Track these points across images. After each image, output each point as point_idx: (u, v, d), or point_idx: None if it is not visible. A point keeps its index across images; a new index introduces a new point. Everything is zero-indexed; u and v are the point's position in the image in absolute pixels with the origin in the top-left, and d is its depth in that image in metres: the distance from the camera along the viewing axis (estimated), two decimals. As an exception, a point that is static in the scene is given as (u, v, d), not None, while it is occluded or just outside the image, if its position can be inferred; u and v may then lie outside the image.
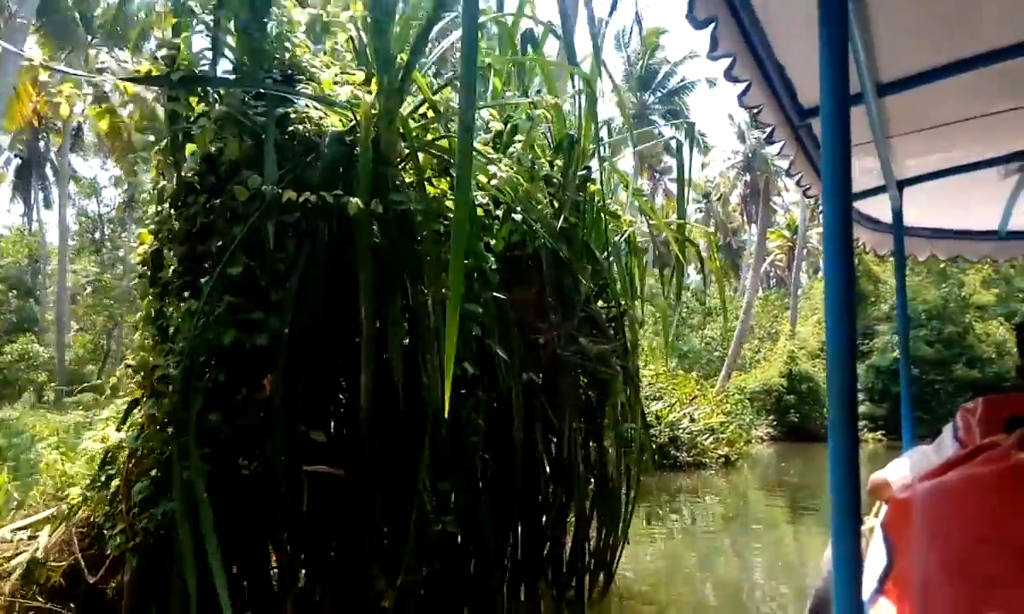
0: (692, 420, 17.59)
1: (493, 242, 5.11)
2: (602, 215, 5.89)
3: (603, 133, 6.88)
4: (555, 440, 5.38)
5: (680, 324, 39.22)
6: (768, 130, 2.51)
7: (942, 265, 5.78)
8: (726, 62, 1.96)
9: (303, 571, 4.22)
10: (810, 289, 44.17)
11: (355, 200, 3.95)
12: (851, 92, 1.45)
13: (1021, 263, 4.82)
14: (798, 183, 2.95)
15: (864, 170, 2.98)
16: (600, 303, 6.32)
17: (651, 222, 6.49)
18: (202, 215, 4.24)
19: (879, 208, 3.56)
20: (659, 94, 48.09)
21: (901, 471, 1.75)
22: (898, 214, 3.36)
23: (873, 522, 1.81)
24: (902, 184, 3.19)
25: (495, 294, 4.85)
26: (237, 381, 4.12)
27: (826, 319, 1.24)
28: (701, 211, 66.99)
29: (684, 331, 38.97)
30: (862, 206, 3.56)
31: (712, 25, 1.77)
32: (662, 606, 6.69)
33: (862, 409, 30.83)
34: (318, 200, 3.98)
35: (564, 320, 5.50)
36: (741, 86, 2.13)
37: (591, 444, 5.75)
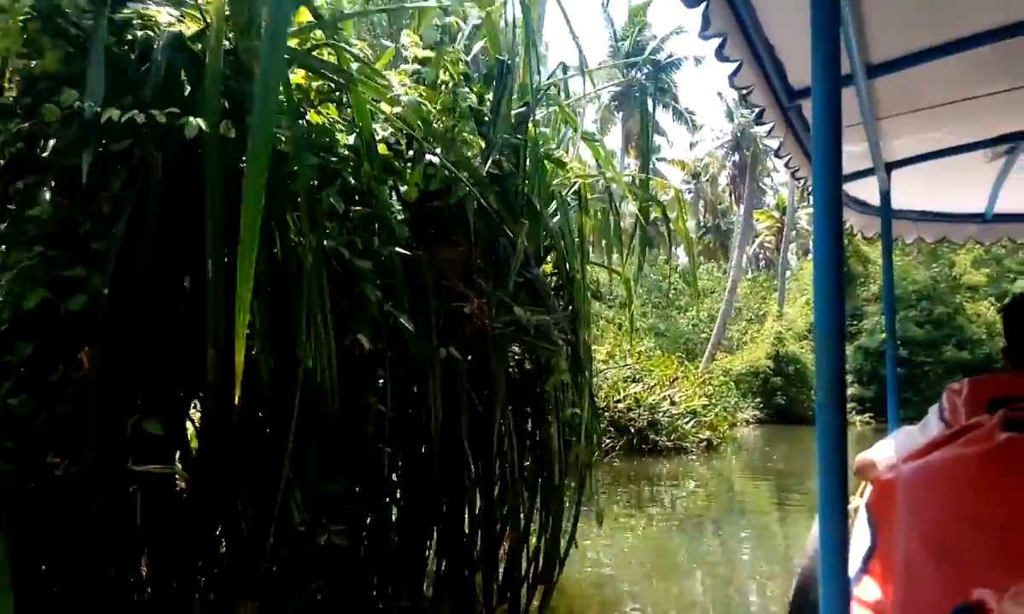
0: (673, 403, 16.78)
1: (404, 188, 4.19)
2: (545, 163, 4.98)
3: (559, 72, 5.96)
4: (486, 430, 4.50)
5: (667, 305, 38.62)
6: (757, 111, 2.46)
7: (932, 245, 5.39)
8: (716, 42, 1.96)
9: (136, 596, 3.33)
10: (799, 270, 43.39)
11: (195, 121, 3.03)
12: (841, 73, 1.51)
13: (1011, 244, 4.67)
14: (787, 165, 2.93)
15: (853, 152, 2.94)
16: (550, 269, 5.44)
17: (608, 176, 5.56)
18: (11, 144, 3.31)
19: (867, 190, 3.56)
20: (645, 70, 46.97)
21: (887, 452, 1.78)
22: (886, 196, 3.35)
23: (858, 502, 1.83)
24: (890, 166, 3.19)
25: (403, 251, 3.95)
26: (50, 356, 3.20)
27: (815, 301, 1.18)
28: (690, 191, 66.12)
29: (671, 312, 38.35)
30: (850, 188, 3.54)
31: (704, 4, 1.75)
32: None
33: (850, 391, 30.17)
34: (148, 120, 3.06)
35: (496, 286, 4.60)
36: (732, 66, 2.11)
37: (529, 433, 4.88)
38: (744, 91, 2.27)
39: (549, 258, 5.27)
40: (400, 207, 3.96)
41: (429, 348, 4.15)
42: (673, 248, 64.24)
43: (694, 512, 11.33)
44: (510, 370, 4.71)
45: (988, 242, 4.32)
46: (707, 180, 61.33)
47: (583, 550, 7.22)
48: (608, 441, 15.04)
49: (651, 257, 45.25)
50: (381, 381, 4.08)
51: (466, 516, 4.52)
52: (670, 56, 45.63)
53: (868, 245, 36.58)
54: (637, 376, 17.09)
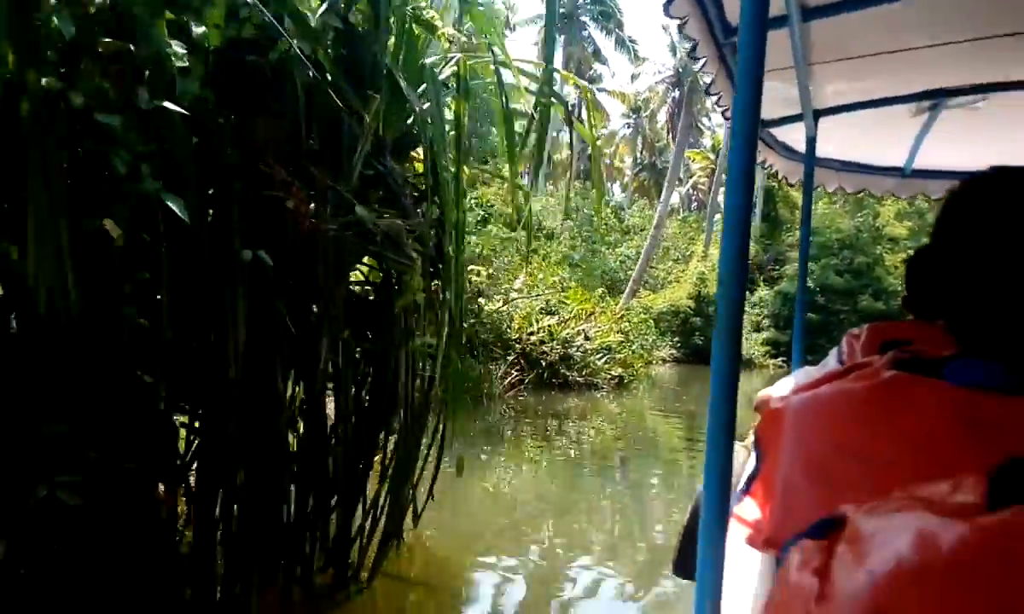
0: (587, 338, 16.17)
1: (201, 30, 3.09)
2: (413, 27, 3.93)
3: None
4: (311, 359, 3.56)
5: (597, 240, 38.10)
6: (692, 44, 2.38)
7: (859, 196, 5.62)
8: None
9: None
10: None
11: None
12: (776, 14, 1.77)
13: (933, 199, 4.52)
14: (717, 103, 2.90)
15: (783, 96, 2.96)
16: (420, 167, 4.43)
17: (494, 50, 4.49)
18: None
19: (794, 136, 3.54)
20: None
21: (785, 389, 1.83)
22: (811, 143, 3.35)
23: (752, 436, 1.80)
24: (818, 114, 3.21)
25: (184, 111, 2.88)
26: None
27: (723, 237, 1.21)
28: (629, 126, 65.32)
29: (600, 248, 37.88)
30: (778, 133, 3.54)
31: None
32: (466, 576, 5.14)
33: (766, 335, 30.48)
34: None
35: (337, 178, 3.60)
36: None
37: (369, 366, 3.97)
38: (680, 21, 2.20)
39: (417, 152, 4.27)
40: (186, 51, 2.87)
41: (228, 248, 3.14)
42: (609, 184, 63.26)
43: (599, 449, 10.83)
44: (351, 286, 3.74)
45: (905, 196, 4.32)
46: (647, 116, 60.45)
47: (462, 496, 6.52)
48: (516, 373, 14.37)
49: (583, 190, 44.66)
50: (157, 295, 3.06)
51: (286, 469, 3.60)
52: (616, -20, 44.03)
53: (798, 191, 36.67)
54: (553, 309, 16.38)
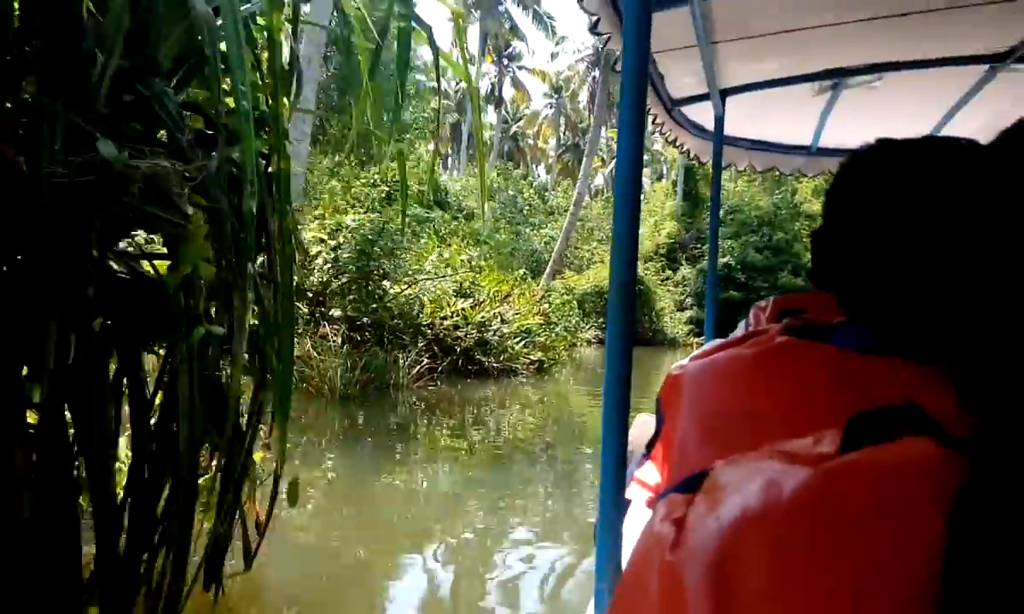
0: (504, 321, 15.31)
1: None
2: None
3: None
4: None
5: (520, 222, 37.39)
6: (593, 19, 2.34)
7: (778, 173, 4.85)
8: None
9: None
10: (651, 193, 43.17)
11: None
12: None
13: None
14: (613, 68, 1.60)
15: (692, 75, 3.00)
16: (231, 102, 3.37)
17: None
18: None
19: (704, 115, 3.53)
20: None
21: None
22: (719, 122, 3.34)
23: None
24: (725, 93, 3.23)
25: None
26: None
27: (614, 212, 1.25)
28: (552, 106, 64.73)
29: (524, 229, 37.23)
30: (689, 112, 3.56)
31: None
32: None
33: (689, 314, 30.39)
34: None
35: (68, 102, 2.52)
36: None
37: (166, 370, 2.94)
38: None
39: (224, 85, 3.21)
40: None
41: None
42: (533, 166, 62.50)
43: (524, 438, 9.99)
44: (93, 253, 2.67)
45: (812, 174, 4.28)
46: (568, 95, 59.89)
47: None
48: (427, 361, 13.39)
49: (504, 169, 43.73)
50: None
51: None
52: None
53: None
54: (468, 291, 15.44)
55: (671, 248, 32.90)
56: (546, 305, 19.19)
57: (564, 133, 66.93)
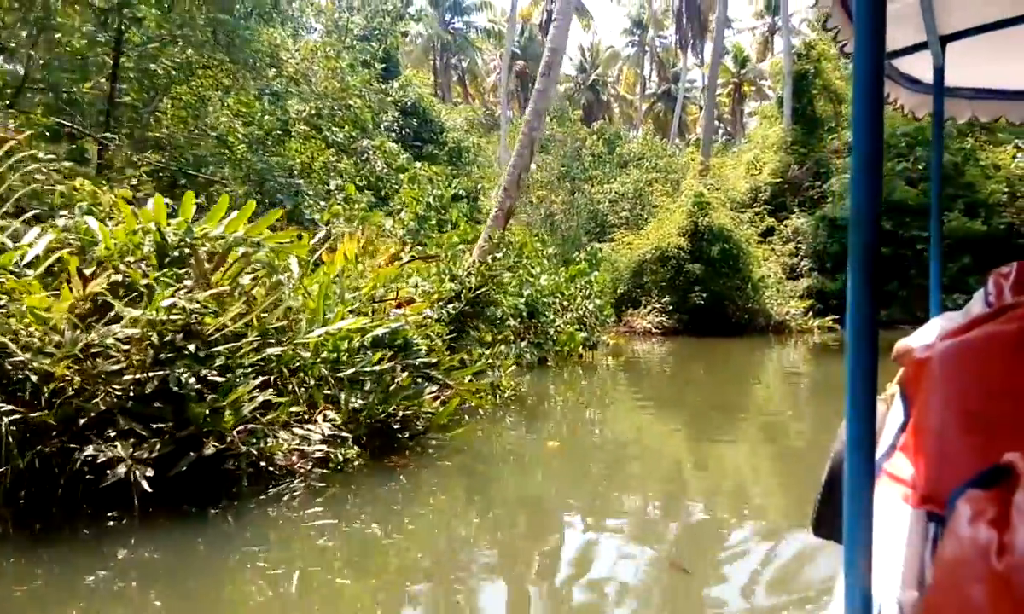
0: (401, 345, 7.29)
1: None
2: None
3: None
4: None
5: (579, 176, 29.16)
6: None
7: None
8: None
9: None
10: (754, 133, 33.08)
11: None
12: None
13: None
14: (835, 38, 2.74)
15: (905, 25, 2.81)
16: None
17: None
18: None
19: (919, 66, 3.28)
20: None
21: (927, 337, 1.68)
22: (939, 72, 3.10)
23: (894, 388, 1.74)
24: (945, 40, 2.97)
25: None
26: None
27: (851, 184, 1.08)
28: (634, 45, 55.18)
29: (584, 187, 28.94)
30: (901, 64, 3.32)
31: None
32: None
33: (808, 282, 20.84)
34: None
35: None
36: None
37: None
38: None
39: None
40: None
41: None
42: (622, 124, 52.84)
43: None
44: None
45: None
46: (648, 23, 50.15)
47: None
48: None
49: (563, 113, 35.54)
50: None
51: None
52: None
53: (841, 80, 26.77)
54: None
55: (777, 190, 23.47)
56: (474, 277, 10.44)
57: (651, 76, 57.33)
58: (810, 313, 18.97)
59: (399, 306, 6.61)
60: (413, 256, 7.75)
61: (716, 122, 59.24)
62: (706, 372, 14.04)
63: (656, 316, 18.01)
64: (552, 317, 11.91)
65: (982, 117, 3.82)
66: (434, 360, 6.47)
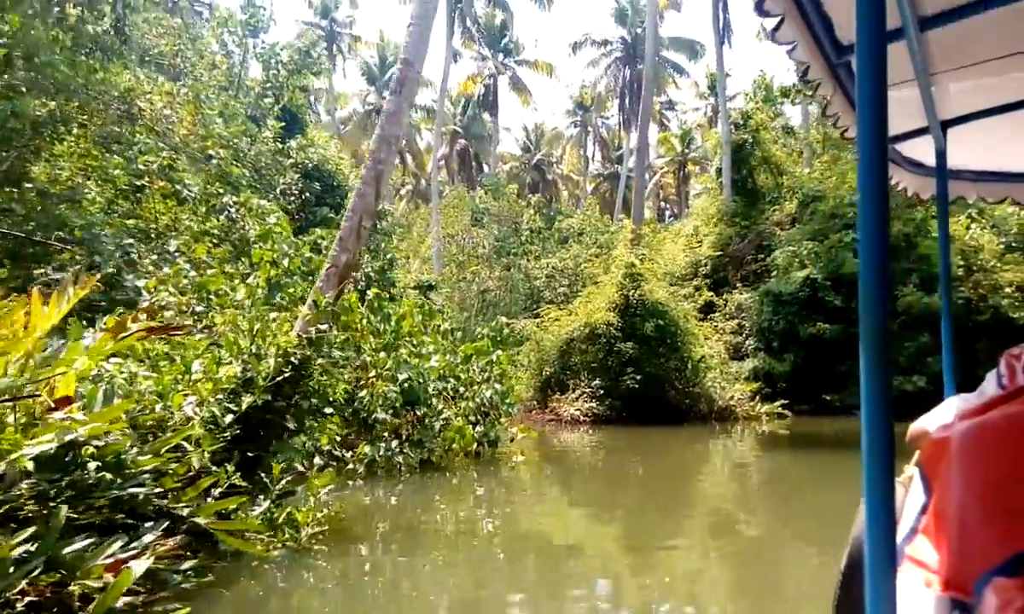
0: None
1: None
2: None
3: None
4: None
5: (515, 252, 27.58)
6: (803, 67, 2.38)
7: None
8: None
9: None
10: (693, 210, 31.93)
11: None
12: (891, 27, 1.72)
13: None
14: (835, 124, 2.85)
15: (906, 110, 2.87)
16: None
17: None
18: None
19: (921, 150, 3.35)
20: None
21: (941, 419, 1.73)
22: (941, 156, 3.13)
23: (912, 470, 1.75)
24: (946, 124, 3.05)
25: None
26: None
27: (860, 272, 1.08)
28: (576, 124, 54.91)
29: (520, 262, 27.23)
30: (903, 148, 3.38)
31: None
32: None
33: (753, 363, 18.98)
34: None
35: None
36: (772, 22, 2.06)
37: None
38: (788, 47, 2.20)
39: None
40: None
41: None
42: (572, 204, 51.94)
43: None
44: None
45: None
46: (591, 104, 49.82)
47: None
48: None
49: (495, 181, 33.97)
50: None
51: None
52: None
53: (787, 152, 25.77)
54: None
55: (718, 264, 21.84)
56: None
57: (594, 156, 56.95)
58: (757, 397, 16.98)
59: (55, 407, 4.23)
60: (153, 327, 5.49)
61: (662, 202, 59.07)
62: (644, 467, 11.82)
63: (585, 402, 15.80)
64: (440, 407, 9.58)
65: (988, 198, 3.78)
66: (167, 487, 4.08)
